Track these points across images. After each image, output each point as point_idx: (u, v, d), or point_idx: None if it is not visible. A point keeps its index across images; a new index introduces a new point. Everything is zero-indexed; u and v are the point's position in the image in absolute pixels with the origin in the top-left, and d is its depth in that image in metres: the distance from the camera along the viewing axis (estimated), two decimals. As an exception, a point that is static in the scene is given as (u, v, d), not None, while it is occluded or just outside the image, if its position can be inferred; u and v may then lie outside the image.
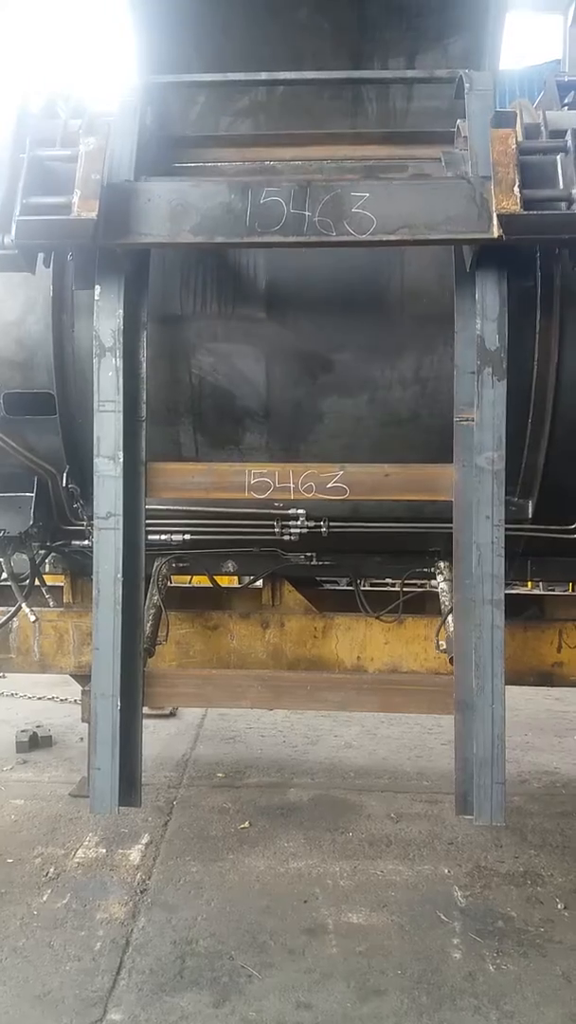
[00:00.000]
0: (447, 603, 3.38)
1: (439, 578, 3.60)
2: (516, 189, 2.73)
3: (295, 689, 3.29)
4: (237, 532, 3.55)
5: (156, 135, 3.45)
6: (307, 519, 3.38)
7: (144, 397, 3.04)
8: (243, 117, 3.97)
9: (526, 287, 3.06)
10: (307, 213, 2.81)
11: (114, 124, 3.21)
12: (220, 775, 5.24)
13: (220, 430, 3.44)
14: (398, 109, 3.99)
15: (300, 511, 3.36)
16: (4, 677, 6.67)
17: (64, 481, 3.46)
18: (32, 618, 3.85)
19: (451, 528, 2.97)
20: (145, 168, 3.15)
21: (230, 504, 3.34)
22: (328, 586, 4.68)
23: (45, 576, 4.33)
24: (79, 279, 3.07)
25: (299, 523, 3.39)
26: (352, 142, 3.56)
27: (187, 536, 3.57)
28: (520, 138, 2.87)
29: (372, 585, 4.47)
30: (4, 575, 3.83)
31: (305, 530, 3.41)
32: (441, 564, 3.60)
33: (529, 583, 5.44)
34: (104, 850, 4.12)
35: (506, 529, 2.90)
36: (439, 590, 3.57)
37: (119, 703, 2.94)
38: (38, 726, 5.90)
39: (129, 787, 2.98)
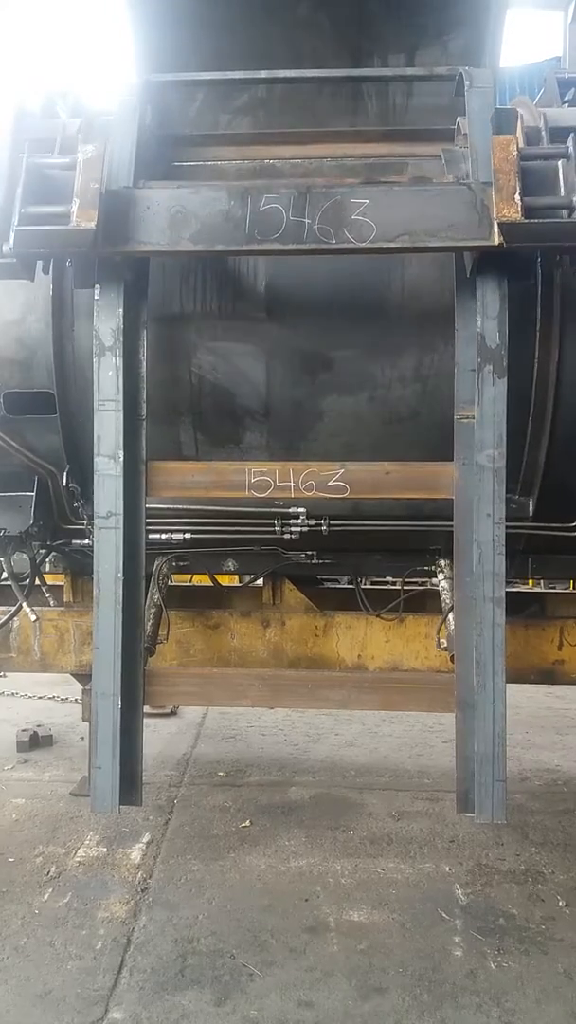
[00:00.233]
0: (448, 601, 3.37)
1: (440, 576, 3.60)
2: (517, 197, 2.71)
3: (296, 688, 3.29)
4: (237, 531, 3.55)
5: (156, 134, 3.45)
6: (307, 518, 3.38)
7: (144, 396, 3.04)
8: (242, 114, 3.97)
9: (526, 285, 3.05)
10: (307, 220, 2.80)
11: (113, 123, 3.21)
12: (221, 774, 5.24)
13: (220, 429, 3.44)
14: (398, 106, 3.98)
15: (300, 510, 3.36)
16: (5, 676, 6.67)
17: (64, 480, 3.46)
18: (33, 617, 3.85)
19: (452, 526, 2.97)
20: (145, 168, 3.15)
21: (230, 503, 3.34)
22: (329, 584, 4.68)
23: (46, 575, 4.33)
24: (79, 278, 3.07)
25: (299, 522, 3.39)
26: (352, 140, 3.56)
27: (187, 535, 3.57)
28: (521, 144, 2.84)
29: (373, 583, 4.47)
30: (4, 574, 3.83)
31: (306, 529, 3.41)
32: (442, 562, 3.59)
33: (530, 581, 5.44)
34: (105, 849, 4.12)
35: (507, 527, 2.89)
36: (440, 588, 3.57)
37: (120, 702, 2.94)
38: (39, 725, 5.90)
39: (130, 786, 2.98)
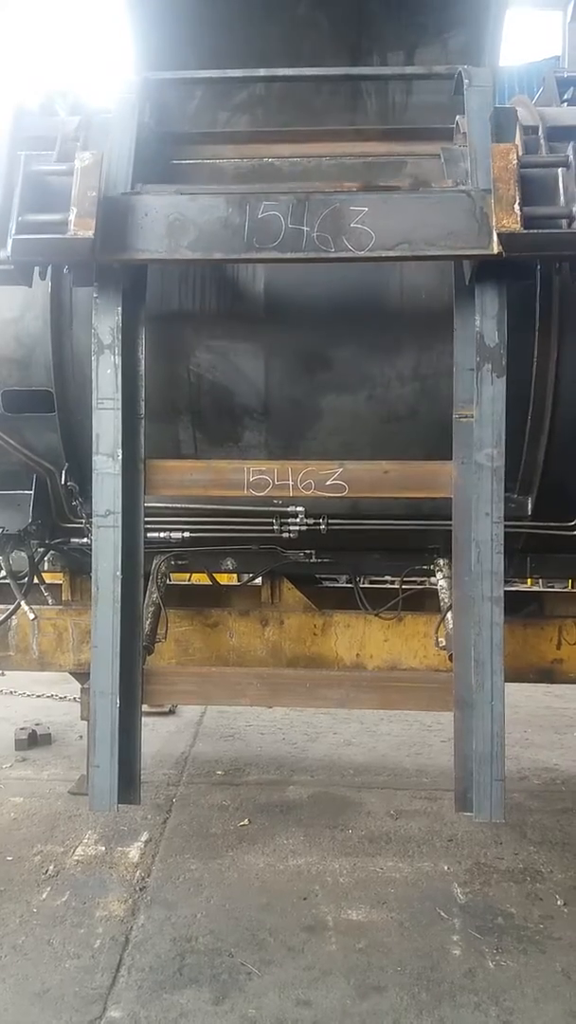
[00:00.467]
0: (446, 600, 3.37)
1: (438, 575, 3.60)
2: (516, 207, 2.70)
3: (294, 686, 3.29)
4: (236, 530, 3.55)
5: (154, 131, 3.44)
6: (306, 516, 3.38)
7: (143, 394, 3.03)
8: (241, 112, 3.96)
9: (525, 285, 3.05)
10: (305, 228, 2.79)
11: (112, 121, 3.20)
12: (219, 773, 5.24)
13: (219, 427, 3.44)
14: (397, 103, 3.97)
15: (299, 508, 3.35)
16: (3, 675, 6.66)
17: (63, 479, 3.46)
18: (31, 616, 3.85)
19: (450, 525, 2.97)
20: (143, 166, 3.14)
21: (229, 502, 3.33)
22: (327, 583, 4.68)
23: (44, 574, 4.33)
24: (77, 277, 3.06)
25: (298, 520, 3.39)
26: (351, 139, 3.55)
27: (186, 534, 3.57)
28: (520, 151, 2.82)
29: (371, 582, 4.47)
30: (3, 573, 3.82)
31: (304, 528, 3.40)
32: (440, 561, 3.59)
33: (529, 580, 5.44)
34: (103, 848, 4.12)
35: (505, 526, 2.89)
36: (438, 587, 3.57)
37: (118, 701, 2.93)
38: (37, 724, 5.90)
39: (128, 784, 2.98)
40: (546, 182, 2.82)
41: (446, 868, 3.96)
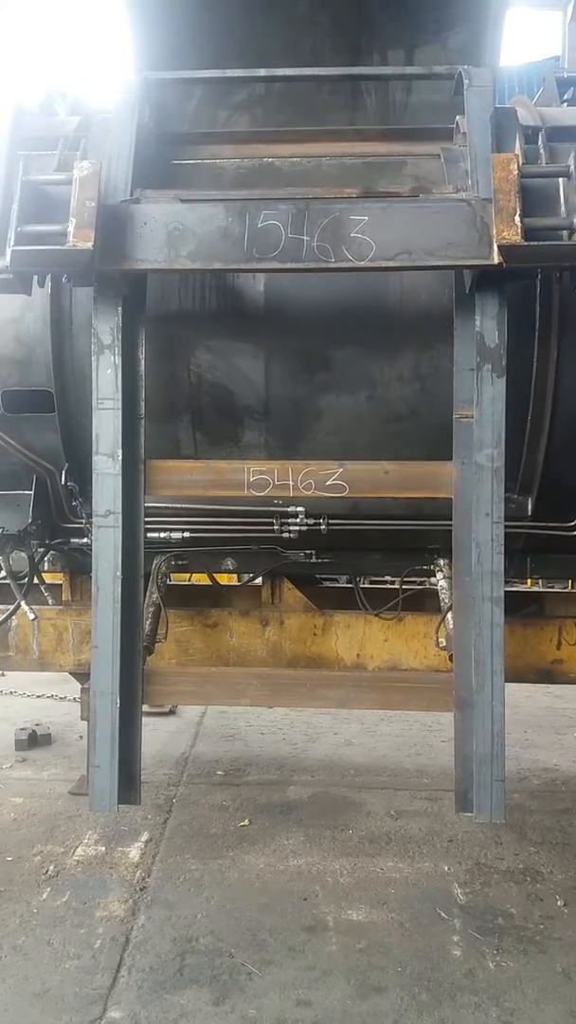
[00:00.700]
0: (446, 600, 3.37)
1: (438, 575, 3.59)
2: (517, 219, 2.69)
3: (295, 687, 3.29)
4: (236, 530, 3.54)
5: (154, 132, 3.44)
6: (306, 517, 3.37)
7: (143, 395, 3.03)
8: (241, 111, 3.96)
9: (525, 285, 3.05)
10: (305, 238, 2.79)
11: (112, 121, 3.20)
12: (220, 773, 5.23)
13: (219, 428, 3.43)
14: (397, 102, 3.97)
15: (299, 509, 3.35)
16: (3, 675, 6.66)
17: (63, 479, 3.46)
18: (31, 616, 3.85)
19: (450, 525, 2.97)
20: (143, 168, 3.13)
21: (229, 502, 3.33)
22: (327, 584, 4.68)
23: (44, 574, 4.32)
24: (77, 281, 3.06)
25: (298, 521, 3.38)
26: (351, 139, 3.55)
27: (186, 534, 3.57)
28: (521, 160, 2.81)
29: (371, 583, 4.47)
30: (3, 573, 3.82)
31: (304, 528, 3.40)
32: (440, 561, 3.59)
33: (529, 580, 5.44)
34: (103, 848, 4.12)
35: (505, 526, 2.89)
36: (438, 587, 3.57)
37: (118, 701, 2.93)
38: (37, 724, 5.90)
39: (128, 785, 2.98)
40: (547, 192, 2.81)
41: (446, 868, 3.96)
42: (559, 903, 3.67)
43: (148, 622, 3.34)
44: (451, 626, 3.10)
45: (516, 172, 2.75)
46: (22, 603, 3.82)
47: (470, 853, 4.12)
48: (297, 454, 3.38)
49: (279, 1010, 2.93)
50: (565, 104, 4.17)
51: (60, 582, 4.21)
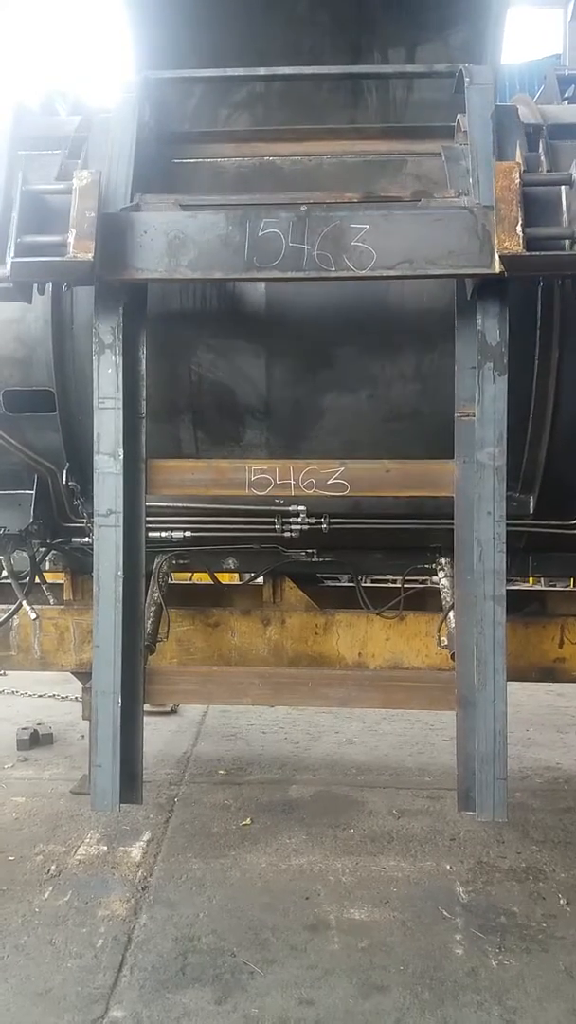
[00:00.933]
0: (448, 599, 3.37)
1: (440, 574, 3.59)
2: (519, 229, 2.68)
3: (296, 686, 3.29)
4: (238, 529, 3.54)
5: (155, 131, 3.43)
6: (308, 516, 3.37)
7: (144, 394, 3.03)
8: (241, 109, 3.95)
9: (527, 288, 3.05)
10: (306, 247, 2.78)
11: (112, 121, 3.20)
12: (221, 772, 5.24)
13: (220, 427, 3.43)
14: (398, 100, 3.96)
15: (301, 508, 3.35)
16: (5, 675, 6.67)
17: (64, 478, 3.46)
18: (33, 616, 3.85)
19: (452, 524, 2.96)
20: (144, 168, 3.13)
21: (231, 501, 3.33)
22: (329, 583, 4.68)
23: (45, 573, 4.32)
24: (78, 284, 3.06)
25: (300, 520, 3.38)
26: (352, 137, 3.55)
27: (187, 533, 3.56)
28: (523, 167, 2.80)
29: (373, 581, 4.47)
30: (4, 573, 3.82)
31: (306, 527, 3.40)
32: (442, 560, 3.59)
33: (530, 579, 5.43)
34: (105, 847, 4.12)
35: (507, 525, 2.89)
36: (440, 586, 3.56)
37: (120, 700, 2.93)
38: (39, 724, 5.90)
39: (130, 784, 2.98)
40: (549, 199, 2.80)
41: (448, 867, 3.96)
42: (562, 901, 3.67)
43: (150, 621, 3.34)
44: (453, 625, 3.10)
45: (518, 181, 2.73)
46: (24, 603, 3.82)
47: (472, 852, 4.12)
48: (298, 453, 3.38)
49: (281, 1009, 2.93)
50: (566, 102, 4.18)
51: (62, 582, 4.21)
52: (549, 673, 3.88)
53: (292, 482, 3.05)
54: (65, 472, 3.45)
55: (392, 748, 5.75)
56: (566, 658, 3.83)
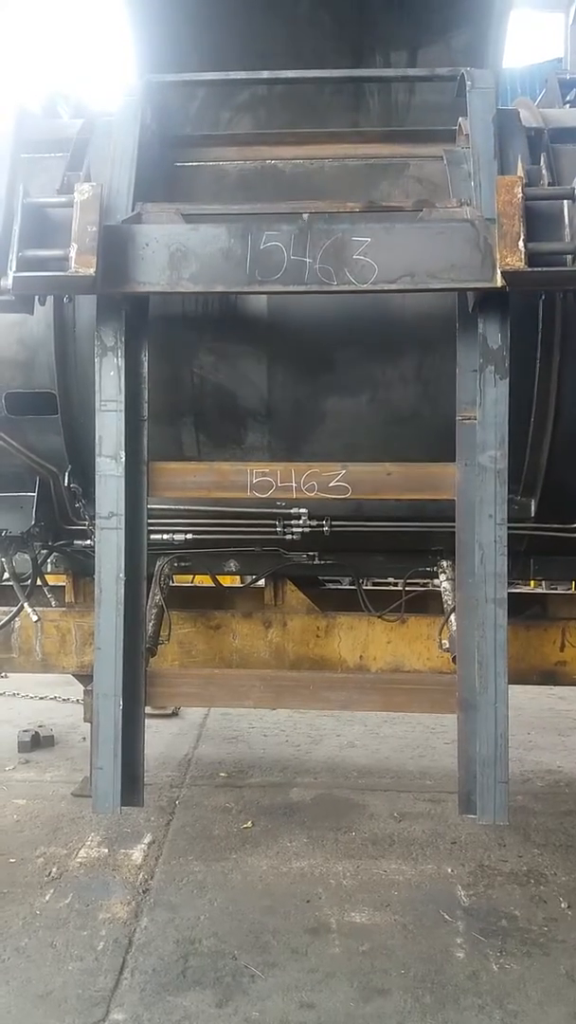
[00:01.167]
0: (450, 602, 3.36)
1: (441, 577, 3.59)
2: (521, 244, 2.67)
3: (298, 689, 3.29)
4: (239, 532, 3.54)
5: (157, 135, 3.44)
6: (309, 518, 3.37)
7: (146, 396, 3.03)
8: (243, 112, 3.96)
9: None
10: (307, 260, 2.77)
11: (115, 124, 3.21)
12: (223, 775, 5.23)
13: (222, 429, 3.44)
14: (400, 103, 3.97)
15: (302, 510, 3.35)
16: (6, 677, 6.66)
17: (66, 481, 3.46)
18: (34, 618, 3.85)
19: (453, 527, 2.96)
20: (146, 171, 3.14)
21: (232, 504, 3.33)
22: (330, 585, 4.67)
23: (47, 576, 4.32)
24: None
25: (301, 522, 3.38)
26: (353, 140, 3.55)
27: (189, 536, 3.56)
28: (525, 180, 2.78)
29: (374, 584, 4.46)
30: (6, 575, 3.82)
31: (307, 529, 3.40)
32: (443, 563, 3.58)
33: (532, 582, 5.43)
34: (106, 850, 4.12)
35: (509, 528, 2.89)
36: (442, 589, 3.56)
37: (121, 703, 2.93)
38: (40, 726, 5.90)
39: (131, 786, 2.97)
40: (551, 213, 2.79)
41: (450, 871, 3.96)
42: (563, 905, 3.66)
43: (151, 624, 3.33)
44: (454, 628, 3.09)
45: (520, 196, 2.72)
46: (25, 605, 3.82)
47: (473, 855, 4.11)
48: (300, 456, 3.38)
49: (282, 1012, 2.92)
50: (567, 106, 4.18)
51: (63, 584, 4.21)
52: (550, 676, 3.88)
53: (294, 485, 3.05)
54: (67, 474, 3.45)
55: (393, 751, 5.75)
56: (567, 661, 3.83)
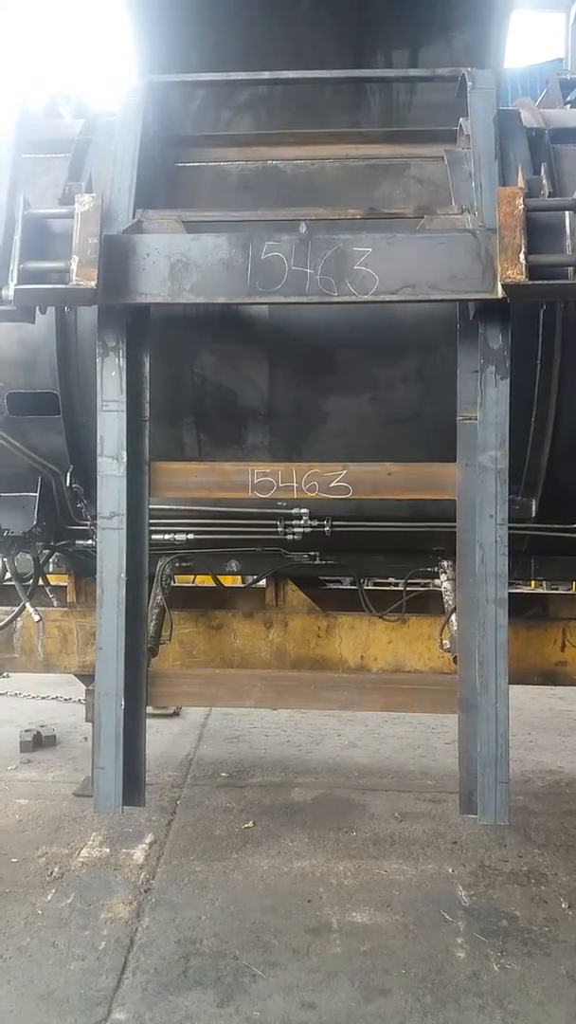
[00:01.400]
0: (450, 602, 3.37)
1: (442, 577, 3.59)
2: (522, 256, 2.67)
3: (299, 688, 3.29)
4: (240, 532, 3.55)
5: (158, 135, 3.45)
6: (310, 518, 3.38)
7: (147, 397, 3.03)
8: (244, 111, 3.96)
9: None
10: (308, 271, 2.78)
11: (116, 125, 3.21)
12: (224, 774, 5.24)
13: (223, 430, 3.44)
14: (401, 103, 3.97)
15: (303, 510, 3.35)
16: (8, 677, 6.66)
17: (68, 481, 3.46)
18: (36, 618, 3.85)
19: (454, 527, 2.97)
20: (147, 172, 3.14)
21: (233, 504, 3.33)
22: (331, 585, 4.68)
23: (49, 576, 4.33)
24: None
25: (302, 522, 3.39)
26: (354, 141, 3.55)
27: (190, 536, 3.57)
28: (527, 191, 2.77)
29: (375, 584, 4.47)
30: (8, 575, 3.83)
31: (308, 529, 3.41)
32: (444, 563, 3.59)
33: (532, 582, 5.43)
34: (108, 849, 4.13)
35: (509, 528, 2.89)
36: (442, 589, 3.56)
37: (123, 702, 2.94)
38: (42, 726, 5.90)
39: (133, 786, 2.98)
40: (553, 224, 2.79)
41: (450, 871, 3.96)
42: (563, 905, 3.66)
43: (152, 624, 3.34)
44: (455, 628, 3.09)
45: (521, 207, 2.72)
46: (27, 605, 3.83)
47: (474, 855, 4.12)
48: (301, 456, 3.38)
49: (283, 1012, 2.93)
50: (568, 106, 4.18)
51: (65, 584, 4.22)
52: (551, 676, 3.88)
53: (295, 485, 3.05)
54: (69, 474, 3.46)
55: (394, 751, 5.75)
56: (568, 661, 3.84)
